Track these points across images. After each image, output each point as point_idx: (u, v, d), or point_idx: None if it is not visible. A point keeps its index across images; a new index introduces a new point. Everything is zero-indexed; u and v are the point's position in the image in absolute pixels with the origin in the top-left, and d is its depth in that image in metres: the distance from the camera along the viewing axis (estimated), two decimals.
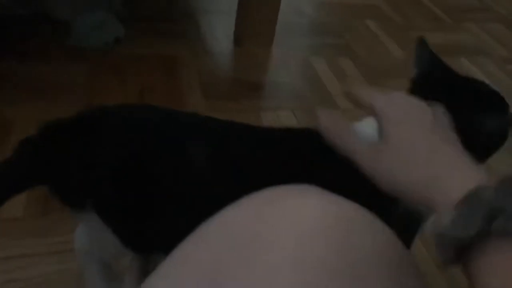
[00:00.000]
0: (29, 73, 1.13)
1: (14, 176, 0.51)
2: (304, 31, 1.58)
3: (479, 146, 0.52)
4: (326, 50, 1.49)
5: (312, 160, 0.50)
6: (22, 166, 0.51)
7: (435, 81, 0.56)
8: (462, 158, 0.37)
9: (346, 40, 1.54)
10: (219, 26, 1.48)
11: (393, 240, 0.29)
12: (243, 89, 1.24)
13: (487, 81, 0.56)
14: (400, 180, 0.37)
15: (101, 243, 0.56)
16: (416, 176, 0.37)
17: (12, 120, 0.98)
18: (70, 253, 0.69)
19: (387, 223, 0.31)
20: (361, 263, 0.25)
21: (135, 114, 0.53)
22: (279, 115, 1.15)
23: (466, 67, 1.52)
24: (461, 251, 0.32)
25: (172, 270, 0.27)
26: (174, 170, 0.49)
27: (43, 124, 0.51)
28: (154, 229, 0.49)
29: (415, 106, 0.42)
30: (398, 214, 0.45)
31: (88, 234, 0.60)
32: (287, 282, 0.23)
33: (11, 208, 0.81)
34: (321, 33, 1.59)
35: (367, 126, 0.47)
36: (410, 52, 0.89)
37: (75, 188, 0.50)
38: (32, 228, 0.79)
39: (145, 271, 0.58)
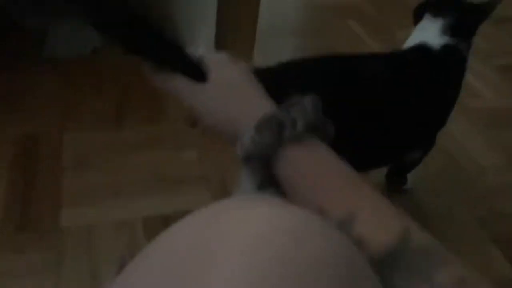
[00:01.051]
0: (2, 85, 1.09)
1: None
2: (286, 33, 1.57)
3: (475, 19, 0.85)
4: (307, 51, 1.47)
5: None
6: None
7: None
8: (259, 95, 0.46)
9: (328, 40, 1.53)
10: (200, 32, 1.46)
11: (345, 247, 0.29)
12: None
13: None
14: (215, 113, 0.46)
15: None
16: (225, 110, 0.45)
17: None
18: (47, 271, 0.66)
19: None
20: (308, 273, 0.25)
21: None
22: None
23: None
24: (266, 167, 0.41)
25: None
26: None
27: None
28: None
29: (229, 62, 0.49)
30: None
31: None
32: None
33: None
34: (303, 35, 1.58)
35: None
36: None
37: None
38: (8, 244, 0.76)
39: None
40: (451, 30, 0.82)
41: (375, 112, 0.73)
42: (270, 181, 0.43)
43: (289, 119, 0.41)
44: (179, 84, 0.47)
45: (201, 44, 1.38)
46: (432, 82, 0.80)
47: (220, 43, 1.36)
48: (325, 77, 0.73)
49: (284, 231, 0.27)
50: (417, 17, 0.87)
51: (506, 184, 1.10)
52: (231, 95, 0.46)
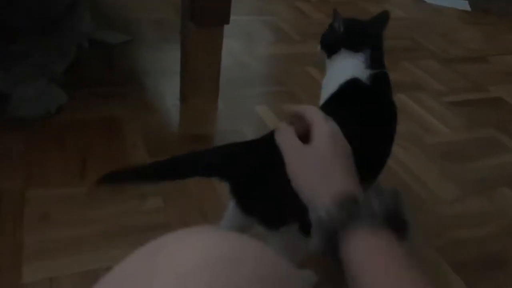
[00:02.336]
0: None
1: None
2: (248, 82, 1.63)
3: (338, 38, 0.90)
4: (270, 98, 1.53)
5: None
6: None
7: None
8: (347, 178, 0.50)
9: (289, 87, 1.60)
10: (164, 84, 1.51)
11: (279, 268, 0.30)
12: (190, 143, 1.25)
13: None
14: (301, 180, 0.51)
15: (293, 251, 0.70)
16: (311, 181, 0.50)
17: None
18: None
19: None
20: None
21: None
22: None
23: (404, 102, 1.59)
24: (334, 239, 0.44)
25: None
26: None
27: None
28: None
29: (340, 135, 0.55)
30: None
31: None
32: None
33: None
34: (264, 83, 1.65)
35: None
36: None
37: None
38: None
39: None
40: (373, 62, 0.86)
41: None
42: (333, 253, 0.45)
43: (366, 206, 0.45)
44: (289, 142, 0.54)
45: (168, 98, 1.43)
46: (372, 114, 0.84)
47: (185, 94, 1.41)
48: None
49: (217, 258, 0.29)
50: (330, 50, 0.92)
51: (462, 213, 1.14)
52: (323, 165, 0.51)
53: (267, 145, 0.65)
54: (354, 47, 0.87)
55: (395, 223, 0.45)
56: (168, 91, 1.47)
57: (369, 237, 0.43)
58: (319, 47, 0.96)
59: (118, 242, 0.92)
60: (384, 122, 0.85)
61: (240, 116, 1.41)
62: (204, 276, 0.27)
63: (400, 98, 1.61)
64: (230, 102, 1.47)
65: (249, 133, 1.30)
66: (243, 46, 1.87)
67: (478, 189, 1.23)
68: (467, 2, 2.77)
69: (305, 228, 0.62)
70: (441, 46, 2.15)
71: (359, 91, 0.85)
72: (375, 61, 0.87)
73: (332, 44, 0.91)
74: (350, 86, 0.85)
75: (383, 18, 0.93)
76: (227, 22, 1.28)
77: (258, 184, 0.68)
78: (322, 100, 0.89)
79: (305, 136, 0.55)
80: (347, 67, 0.87)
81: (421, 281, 0.40)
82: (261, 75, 1.71)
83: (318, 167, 0.50)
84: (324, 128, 0.53)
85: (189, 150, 1.20)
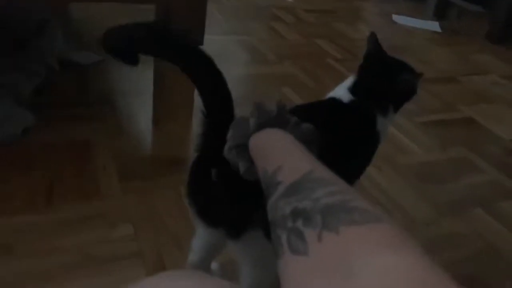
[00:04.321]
0: None
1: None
2: None
3: (397, 96, 0.90)
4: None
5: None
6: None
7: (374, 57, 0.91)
8: None
9: None
10: (137, 106, 1.48)
11: None
12: (162, 166, 1.22)
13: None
14: None
15: (265, 266, 0.68)
16: None
17: None
18: None
19: None
20: None
21: None
22: None
23: None
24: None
25: None
26: None
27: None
28: None
29: None
30: None
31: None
32: None
33: None
34: (239, 105, 1.63)
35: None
36: None
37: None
38: None
39: None
40: (356, 89, 0.87)
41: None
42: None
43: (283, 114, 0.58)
44: None
45: (141, 121, 1.40)
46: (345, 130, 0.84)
47: (159, 116, 1.39)
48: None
49: None
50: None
51: (438, 236, 1.14)
52: None
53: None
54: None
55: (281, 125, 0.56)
56: (141, 113, 1.44)
57: (276, 131, 0.54)
58: None
59: (86, 273, 0.88)
60: (349, 141, 0.85)
61: None
62: None
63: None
64: None
65: None
66: (219, 66, 1.86)
67: (453, 211, 1.23)
68: (437, 23, 2.85)
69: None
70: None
71: (337, 107, 0.85)
72: (361, 89, 0.87)
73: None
74: (330, 102, 0.86)
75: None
76: (201, 43, 1.28)
77: (210, 189, 0.67)
78: None
79: None
80: (342, 88, 0.88)
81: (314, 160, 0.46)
82: (237, 96, 1.69)
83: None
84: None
85: (163, 175, 1.19)
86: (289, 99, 1.67)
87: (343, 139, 0.81)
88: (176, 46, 0.66)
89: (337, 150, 0.81)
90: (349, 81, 0.89)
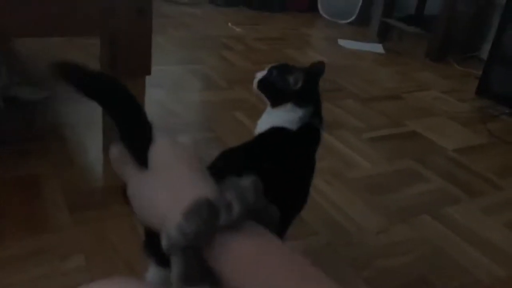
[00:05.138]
0: None
1: None
2: (177, 130, 1.63)
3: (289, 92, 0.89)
4: (200, 145, 1.54)
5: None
6: None
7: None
8: (197, 179, 0.42)
9: (218, 133, 1.62)
10: (86, 137, 1.47)
11: None
12: (115, 194, 1.21)
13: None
14: (146, 203, 0.43)
15: None
16: (157, 202, 0.41)
17: None
18: None
19: None
20: None
21: None
22: None
23: (327, 140, 1.66)
24: (198, 258, 0.37)
25: None
26: None
27: None
28: None
29: (177, 142, 0.47)
30: None
31: None
32: None
33: None
34: (193, 130, 1.66)
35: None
36: None
37: None
38: None
39: None
40: (311, 116, 0.90)
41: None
42: (203, 275, 0.38)
43: (224, 204, 0.37)
44: (128, 170, 0.47)
45: (91, 151, 1.39)
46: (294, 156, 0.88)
47: (108, 146, 1.38)
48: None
49: None
50: (275, 100, 0.92)
51: (388, 243, 1.18)
52: (161, 181, 0.42)
53: None
54: (302, 104, 0.89)
55: (261, 213, 0.39)
56: (91, 143, 1.43)
57: (233, 244, 0.37)
58: (255, 87, 0.97)
59: None
60: (295, 171, 0.88)
61: None
62: None
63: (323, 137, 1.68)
64: None
65: None
66: (172, 94, 1.88)
67: (401, 219, 1.29)
68: (381, 45, 3.01)
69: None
70: (360, 86, 2.29)
71: (283, 139, 0.88)
72: (314, 116, 0.90)
73: (280, 97, 0.91)
74: (276, 133, 0.88)
75: (321, 70, 0.94)
76: (148, 73, 1.29)
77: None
78: None
79: None
80: (285, 118, 0.88)
81: (295, 270, 0.36)
82: (190, 123, 1.72)
83: (160, 182, 0.42)
84: (157, 140, 0.46)
85: (115, 203, 1.18)
86: (241, 122, 1.70)
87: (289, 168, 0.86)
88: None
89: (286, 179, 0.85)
90: (298, 113, 0.89)
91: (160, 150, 0.45)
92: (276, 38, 2.99)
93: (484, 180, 1.55)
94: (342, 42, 3.02)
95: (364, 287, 1.02)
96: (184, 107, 1.80)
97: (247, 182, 0.39)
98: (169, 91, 1.92)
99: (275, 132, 0.89)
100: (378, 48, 2.99)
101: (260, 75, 0.96)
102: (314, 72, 0.92)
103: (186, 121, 1.71)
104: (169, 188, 0.41)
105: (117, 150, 0.48)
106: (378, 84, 2.40)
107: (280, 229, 0.96)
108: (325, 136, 1.66)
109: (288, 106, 0.89)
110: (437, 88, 2.44)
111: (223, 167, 0.86)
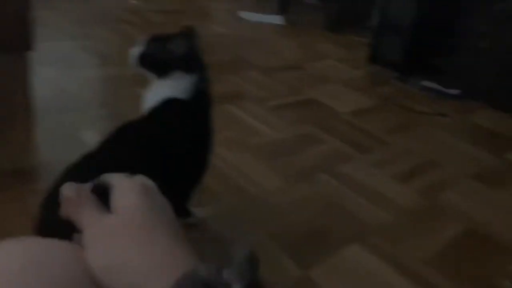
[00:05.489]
0: None
1: None
2: (71, 109, 1.55)
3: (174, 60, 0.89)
4: (97, 123, 1.48)
5: None
6: None
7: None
8: (174, 251, 0.35)
9: (117, 109, 1.57)
10: None
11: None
12: (8, 179, 1.13)
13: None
14: (110, 262, 0.35)
15: None
16: (126, 271, 0.34)
17: None
18: None
19: None
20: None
21: None
22: None
23: (230, 110, 1.69)
24: None
25: None
26: None
27: None
28: None
29: (154, 190, 0.40)
30: None
31: None
32: None
33: None
34: (89, 108, 1.58)
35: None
36: None
37: None
38: None
39: None
40: (201, 82, 0.92)
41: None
42: None
43: (221, 283, 0.31)
44: (87, 215, 0.37)
45: None
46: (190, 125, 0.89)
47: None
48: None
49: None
50: (160, 71, 0.92)
51: (289, 201, 1.25)
52: (134, 240, 0.35)
53: None
54: (189, 69, 0.89)
55: None
56: None
57: None
58: (135, 64, 0.95)
59: None
60: (195, 141, 0.89)
61: (65, 145, 1.33)
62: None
63: (226, 108, 1.70)
64: (53, 131, 1.38)
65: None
66: (65, 72, 1.78)
67: (300, 178, 1.36)
68: (281, 17, 3.08)
69: None
70: (261, 58, 2.34)
71: (179, 111, 0.88)
72: (202, 81, 0.91)
73: (166, 66, 0.90)
74: (171, 104, 0.88)
75: (196, 33, 0.95)
76: (31, 48, 1.20)
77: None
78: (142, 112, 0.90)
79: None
80: (176, 87, 0.89)
81: None
82: (86, 100, 1.64)
83: (133, 241, 0.35)
84: (126, 184, 0.38)
85: (5, 188, 1.10)
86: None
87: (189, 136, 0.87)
88: None
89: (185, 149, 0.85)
90: (188, 80, 0.90)
91: (128, 198, 0.37)
92: (175, 10, 2.93)
93: (374, 138, 1.68)
94: (243, 14, 3.04)
95: (269, 241, 1.07)
96: (78, 85, 1.71)
97: (244, 257, 0.34)
98: (62, 68, 1.81)
99: (169, 104, 0.88)
100: (279, 19, 3.05)
101: (136, 51, 0.95)
102: (191, 36, 0.92)
103: (81, 99, 1.63)
104: (146, 252, 0.34)
105: (72, 189, 0.39)
106: (279, 55, 2.47)
107: (184, 198, 0.98)
108: (228, 107, 1.71)
109: (176, 74, 0.89)
110: (334, 57, 2.56)
111: (118, 143, 0.84)
